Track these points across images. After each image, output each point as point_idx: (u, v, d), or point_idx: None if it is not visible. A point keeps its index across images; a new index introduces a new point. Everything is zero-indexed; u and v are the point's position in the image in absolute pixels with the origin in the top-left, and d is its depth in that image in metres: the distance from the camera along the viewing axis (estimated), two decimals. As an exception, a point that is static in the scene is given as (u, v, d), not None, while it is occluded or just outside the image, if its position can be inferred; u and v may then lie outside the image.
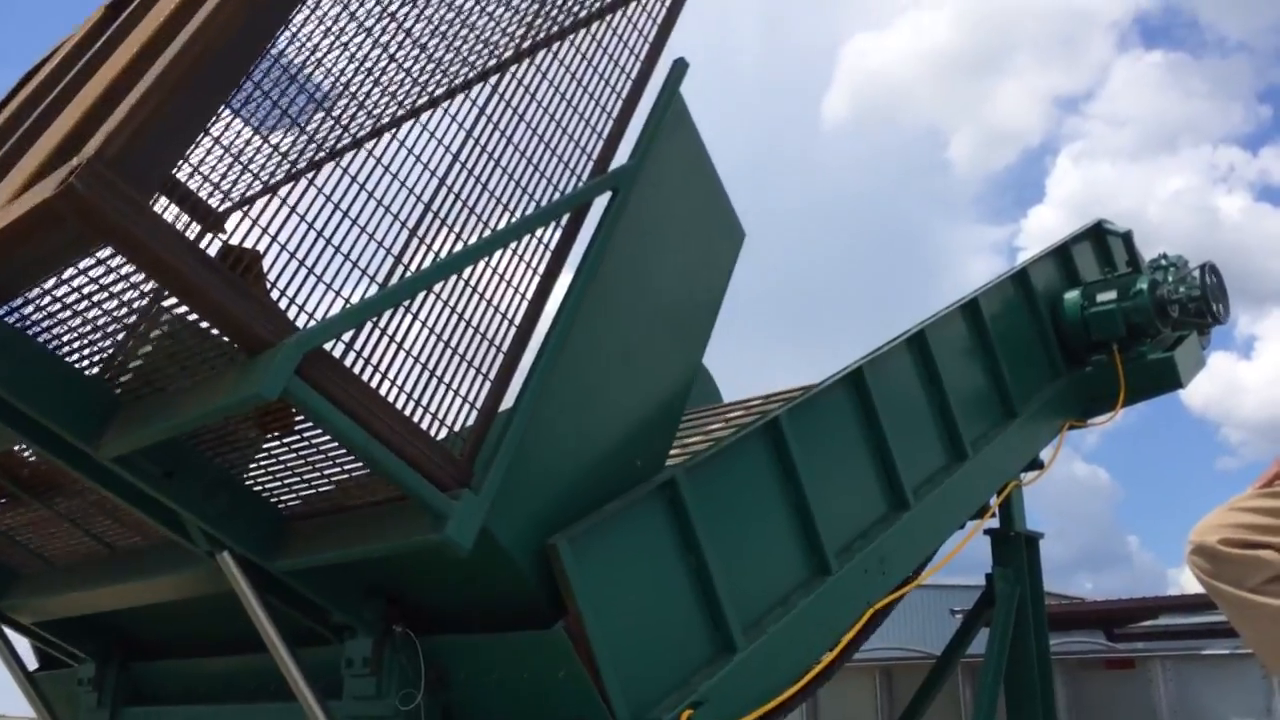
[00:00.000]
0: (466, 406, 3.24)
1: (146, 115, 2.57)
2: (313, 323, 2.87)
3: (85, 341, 3.05)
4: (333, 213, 3.04)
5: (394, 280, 3.18)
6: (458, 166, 3.43)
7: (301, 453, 3.15)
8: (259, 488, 3.42)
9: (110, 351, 3.09)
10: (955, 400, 5.47)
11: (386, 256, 3.19)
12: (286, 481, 3.35)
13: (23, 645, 5.53)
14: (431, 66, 3.80)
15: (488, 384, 3.31)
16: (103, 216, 2.47)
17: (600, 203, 3.79)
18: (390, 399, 3.04)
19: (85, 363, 3.13)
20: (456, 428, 3.20)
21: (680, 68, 4.22)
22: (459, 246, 3.35)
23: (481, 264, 3.36)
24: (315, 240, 2.95)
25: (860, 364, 4.87)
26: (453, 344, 3.25)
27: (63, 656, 5.40)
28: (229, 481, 3.36)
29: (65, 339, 3.08)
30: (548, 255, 3.59)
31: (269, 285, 2.99)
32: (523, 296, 3.49)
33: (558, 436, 3.49)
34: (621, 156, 3.96)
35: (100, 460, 3.17)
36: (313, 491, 3.36)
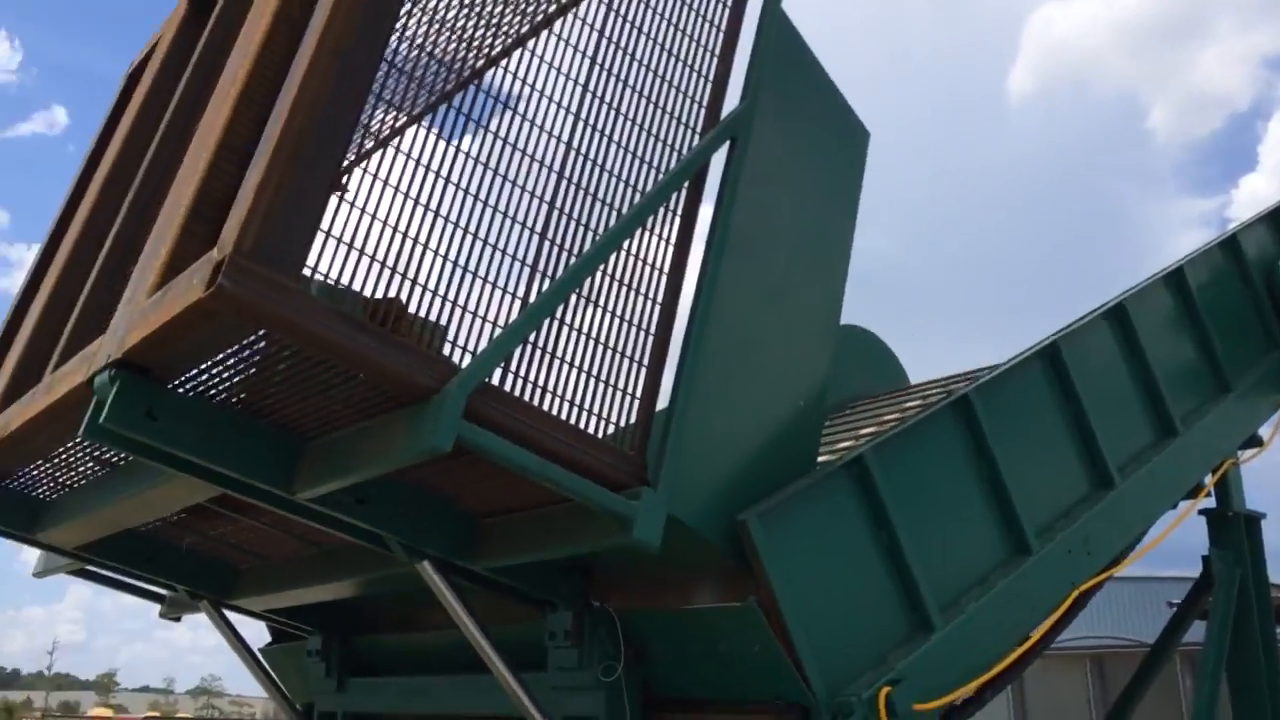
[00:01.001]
0: (626, 398, 3.25)
1: (272, 197, 2.59)
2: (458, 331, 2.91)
3: (262, 397, 3.17)
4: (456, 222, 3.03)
5: (531, 286, 3.17)
6: (569, 151, 3.35)
7: (483, 471, 3.23)
8: (448, 497, 3.54)
9: (287, 403, 3.21)
10: (1161, 374, 5.22)
11: (514, 263, 3.17)
12: (476, 490, 3.45)
13: (246, 627, 6.02)
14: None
15: (643, 370, 3.31)
16: (254, 308, 2.54)
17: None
18: (552, 410, 3.08)
19: (266, 415, 3.26)
20: (621, 421, 3.23)
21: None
22: (587, 237, 3.30)
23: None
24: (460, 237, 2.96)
25: (1055, 338, 4.69)
26: (600, 338, 3.24)
27: (292, 630, 5.86)
28: (420, 496, 3.49)
29: (242, 398, 3.21)
30: (676, 221, 3.51)
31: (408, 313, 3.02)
32: (660, 271, 3.44)
33: (723, 401, 3.48)
34: (734, 86, 3.79)
35: (298, 501, 3.35)
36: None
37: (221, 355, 3.02)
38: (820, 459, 3.79)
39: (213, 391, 3.27)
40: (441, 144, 3.07)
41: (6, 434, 4.03)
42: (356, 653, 5.47)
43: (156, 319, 2.78)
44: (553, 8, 4.02)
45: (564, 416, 3.11)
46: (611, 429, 3.20)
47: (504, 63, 3.61)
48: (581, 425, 3.12)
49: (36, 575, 5.84)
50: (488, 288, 3.06)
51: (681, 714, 3.74)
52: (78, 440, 3.79)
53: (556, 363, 3.13)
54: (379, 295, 2.86)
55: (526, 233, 3.18)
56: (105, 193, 5.12)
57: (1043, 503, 4.43)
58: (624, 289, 3.33)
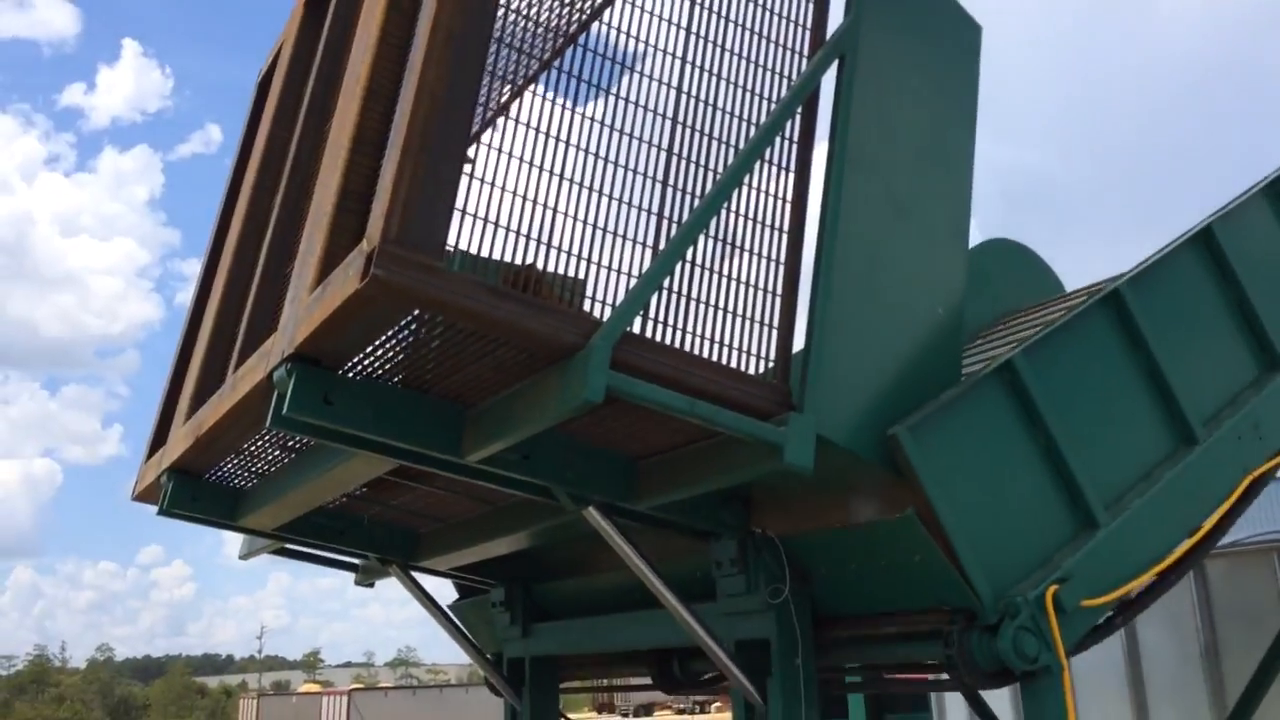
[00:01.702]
0: (765, 329, 3.32)
1: (410, 186, 2.75)
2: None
3: (424, 372, 3.38)
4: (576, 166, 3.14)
5: (659, 234, 3.27)
6: (680, 96, 3.40)
7: (636, 415, 3.36)
8: (607, 444, 3.70)
9: (447, 374, 3.41)
10: None
11: (641, 214, 3.26)
12: (631, 434, 3.60)
13: (436, 588, 6.41)
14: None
15: (778, 300, 3.37)
16: (406, 291, 2.72)
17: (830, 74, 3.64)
18: (693, 350, 3.18)
19: (429, 389, 3.47)
20: (761, 353, 3.31)
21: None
22: (708, 177, 3.36)
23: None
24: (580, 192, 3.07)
25: (1209, 221, 4.51)
26: (732, 274, 3.32)
27: (476, 584, 6.22)
28: (580, 446, 3.66)
29: (406, 375, 3.43)
30: (793, 149, 3.53)
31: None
32: (784, 200, 3.48)
33: (859, 317, 3.51)
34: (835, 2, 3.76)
35: (467, 463, 3.57)
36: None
37: (383, 338, 3.23)
38: (977, 370, 3.78)
39: (380, 372, 3.50)
40: (556, 108, 3.19)
41: (202, 433, 4.40)
42: (537, 600, 5.77)
43: (320, 313, 3.01)
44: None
45: (706, 355, 3.20)
46: (754, 362, 3.28)
47: (604, 18, 3.66)
48: (724, 361, 3.21)
49: (242, 558, 6.35)
50: (619, 241, 3.17)
51: (849, 629, 3.84)
52: (265, 431, 4.10)
53: (693, 304, 3.23)
54: (517, 261, 3.01)
55: (649, 182, 3.26)
56: (255, 198, 5.45)
57: (1208, 390, 4.31)
58: (750, 223, 3.39)
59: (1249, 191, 4.85)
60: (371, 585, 6.70)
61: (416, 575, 6.03)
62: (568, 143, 3.10)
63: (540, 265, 3.03)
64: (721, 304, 3.28)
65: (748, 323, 3.31)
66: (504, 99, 4.34)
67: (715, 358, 3.23)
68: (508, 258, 3.03)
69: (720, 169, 3.39)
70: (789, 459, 3.07)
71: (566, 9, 4.16)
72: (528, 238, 3.01)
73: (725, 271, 3.31)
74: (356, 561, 6.31)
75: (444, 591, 6.65)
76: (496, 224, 2.95)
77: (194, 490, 5.12)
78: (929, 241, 3.83)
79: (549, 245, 3.04)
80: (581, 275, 3.11)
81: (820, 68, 3.57)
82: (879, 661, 4.06)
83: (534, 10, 3.83)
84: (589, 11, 4.18)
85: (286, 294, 3.67)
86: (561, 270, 3.14)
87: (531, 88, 3.59)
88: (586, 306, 3.11)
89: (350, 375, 3.40)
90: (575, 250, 3.08)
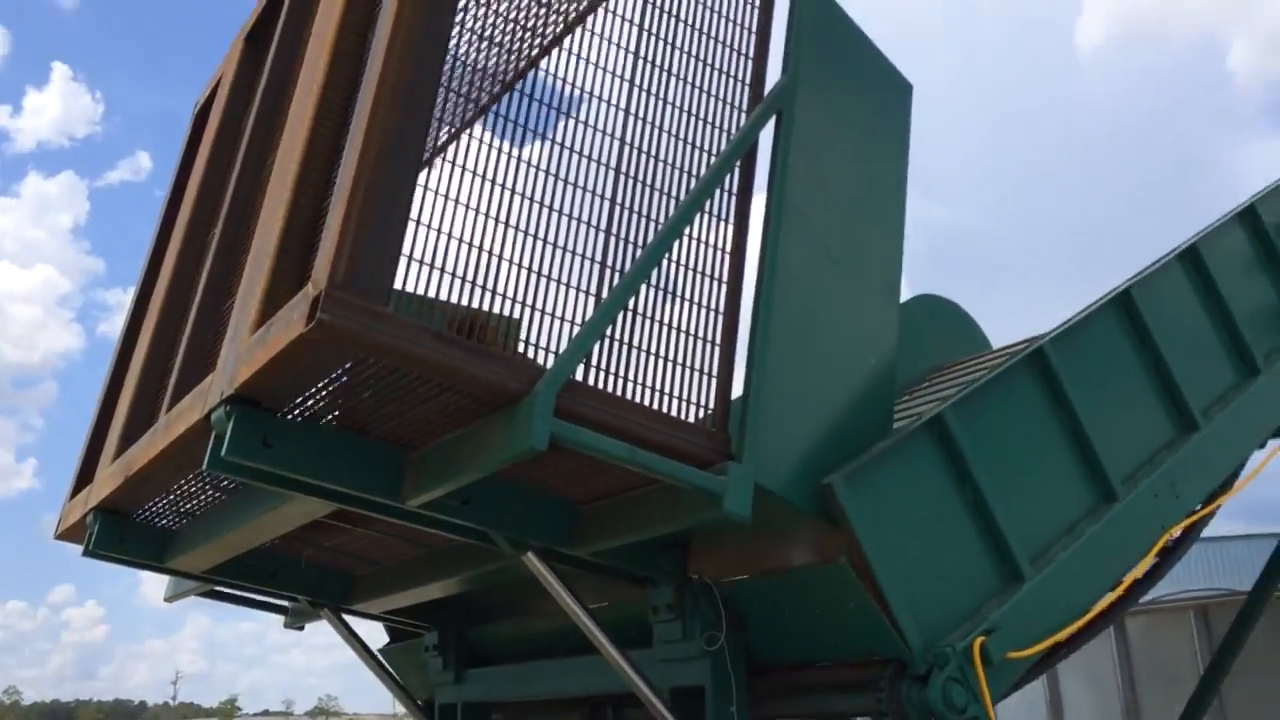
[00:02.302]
0: (704, 378, 3.39)
1: (356, 232, 2.77)
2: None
3: (366, 415, 3.38)
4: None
5: (601, 281, 3.32)
6: (623, 147, 3.48)
7: (577, 462, 3.39)
8: (547, 489, 3.72)
9: (389, 418, 3.40)
10: (1240, 315, 5.22)
11: (583, 261, 3.32)
12: (572, 480, 3.63)
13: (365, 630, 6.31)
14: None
15: (716, 349, 3.44)
16: (352, 336, 2.73)
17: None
18: (634, 398, 3.23)
19: (371, 432, 3.46)
20: (700, 400, 3.37)
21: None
22: (649, 227, 3.43)
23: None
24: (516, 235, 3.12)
25: (1128, 285, 4.70)
26: (673, 323, 3.38)
27: (409, 628, 6.14)
28: (520, 491, 3.68)
29: (347, 418, 3.42)
30: (732, 201, 3.62)
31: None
32: (722, 251, 3.56)
33: (796, 368, 3.59)
34: (774, 59, 3.88)
35: (406, 508, 3.56)
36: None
37: (326, 380, 3.23)
38: (908, 423, 3.88)
39: (320, 415, 3.49)
40: (497, 152, 3.23)
41: (132, 473, 4.32)
42: (471, 644, 5.72)
43: (263, 354, 3.00)
44: (584, 4, 4.14)
45: (646, 403, 3.25)
46: (693, 410, 3.34)
47: (545, 64, 3.73)
48: (664, 409, 3.27)
49: (168, 600, 6.20)
50: (560, 288, 3.21)
51: (784, 677, 3.87)
52: (200, 472, 4.04)
53: (633, 352, 3.28)
54: (459, 303, 3.04)
55: (591, 230, 3.32)
56: (190, 233, 5.40)
57: (1127, 449, 4.47)
58: (690, 273, 3.47)
59: (1165, 257, 5.08)
60: (301, 628, 6.58)
61: (348, 618, 5.95)
62: (508, 188, 3.15)
63: (483, 308, 3.06)
64: (662, 352, 3.33)
65: (687, 371, 3.37)
66: (441, 141, 4.39)
67: (655, 405, 3.28)
68: (450, 298, 3.06)
69: (661, 219, 3.46)
70: (728, 508, 3.12)
71: (509, 55, 4.22)
72: (469, 282, 3.04)
73: (665, 320, 3.37)
74: (286, 604, 6.20)
75: (374, 635, 6.55)
76: (436, 268, 2.97)
77: (121, 531, 5.00)
78: (862, 293, 3.94)
79: (490, 290, 3.07)
80: (524, 320, 3.14)
81: (759, 123, 3.68)
82: (812, 712, 4.10)
83: (478, 57, 3.89)
84: (530, 58, 4.25)
85: (225, 334, 3.64)
86: (502, 312, 3.17)
87: (470, 131, 3.64)
88: (529, 351, 3.14)
89: (291, 417, 3.39)
90: (517, 296, 3.11)
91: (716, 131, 3.67)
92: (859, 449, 3.55)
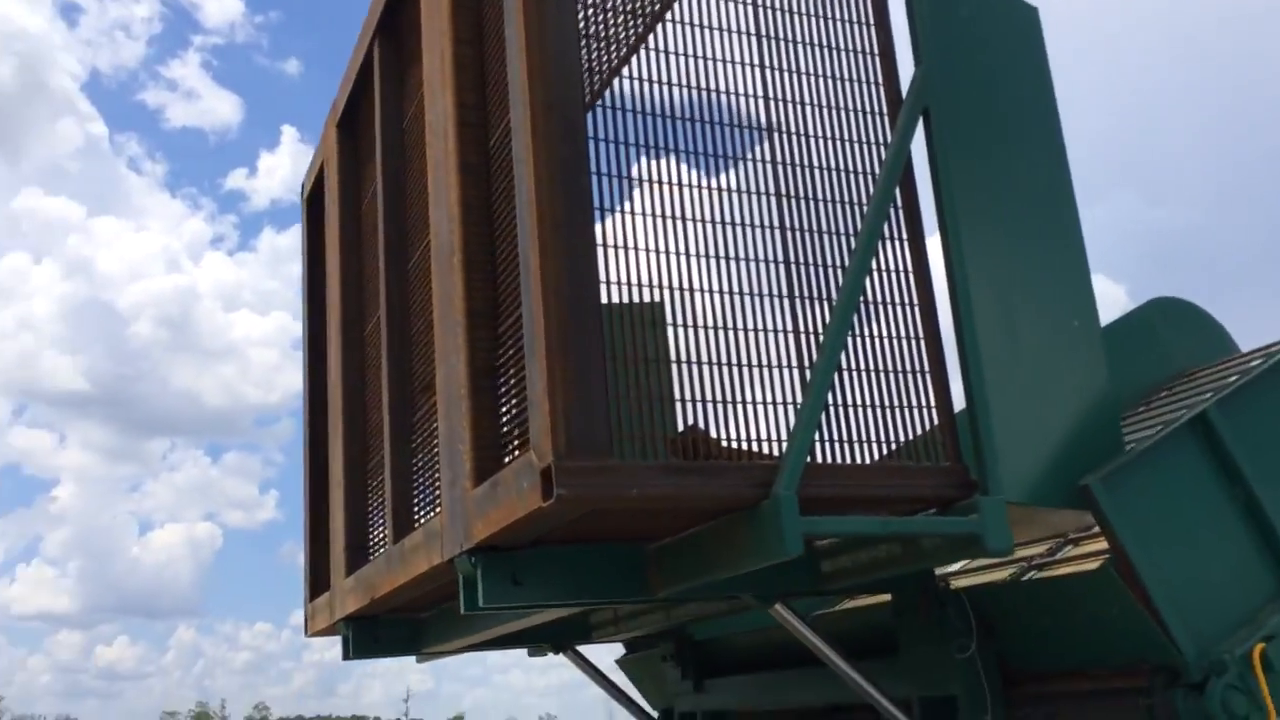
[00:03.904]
0: (919, 411, 3.29)
1: (564, 394, 2.75)
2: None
3: (605, 531, 3.39)
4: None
5: (798, 349, 3.23)
6: (781, 199, 3.35)
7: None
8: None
9: (628, 529, 3.42)
10: None
11: (775, 335, 3.23)
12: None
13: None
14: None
15: (927, 378, 3.33)
16: (590, 499, 2.74)
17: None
18: (858, 456, 3.16)
19: (611, 539, 3.49)
20: (920, 432, 3.27)
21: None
22: (827, 275, 3.31)
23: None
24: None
25: None
26: (875, 365, 3.27)
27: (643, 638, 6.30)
28: None
29: (586, 536, 3.45)
30: (900, 216, 3.46)
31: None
32: (905, 272, 3.42)
33: (1013, 372, 3.42)
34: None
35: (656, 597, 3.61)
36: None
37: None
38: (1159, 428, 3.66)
39: (562, 540, 3.52)
40: (664, 253, 3.15)
41: (376, 596, 4.51)
42: (709, 653, 5.81)
43: (499, 517, 3.04)
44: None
45: (872, 456, 3.18)
46: (921, 449, 3.25)
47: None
48: (897, 460, 3.19)
49: (419, 661, 6.52)
50: (760, 370, 3.15)
51: (1040, 685, 3.78)
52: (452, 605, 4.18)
53: (847, 410, 3.20)
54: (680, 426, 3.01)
55: (770, 300, 3.23)
56: (346, 319, 5.50)
57: None
58: (880, 307, 3.34)
59: None
60: (544, 655, 6.84)
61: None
62: (683, 288, 3.08)
63: (704, 427, 3.02)
64: (875, 400, 3.24)
65: (907, 410, 3.28)
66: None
67: (883, 454, 3.20)
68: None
69: (832, 262, 3.33)
70: (991, 546, 3.04)
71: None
72: (682, 399, 3.00)
73: (871, 365, 3.26)
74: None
75: (602, 652, 6.72)
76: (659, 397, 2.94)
77: (375, 632, 5.28)
78: (1052, 275, 3.69)
79: (700, 400, 3.02)
80: (728, 413, 3.09)
81: (911, 127, 3.46)
82: None
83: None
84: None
85: (422, 448, 3.66)
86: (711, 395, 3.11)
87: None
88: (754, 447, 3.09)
89: (533, 548, 3.45)
90: (723, 395, 3.06)
91: (869, 148, 3.48)
92: (1095, 446, 3.40)
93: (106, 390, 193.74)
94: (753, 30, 3.49)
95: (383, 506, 4.82)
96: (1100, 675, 3.53)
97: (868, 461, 3.15)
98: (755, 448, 3.11)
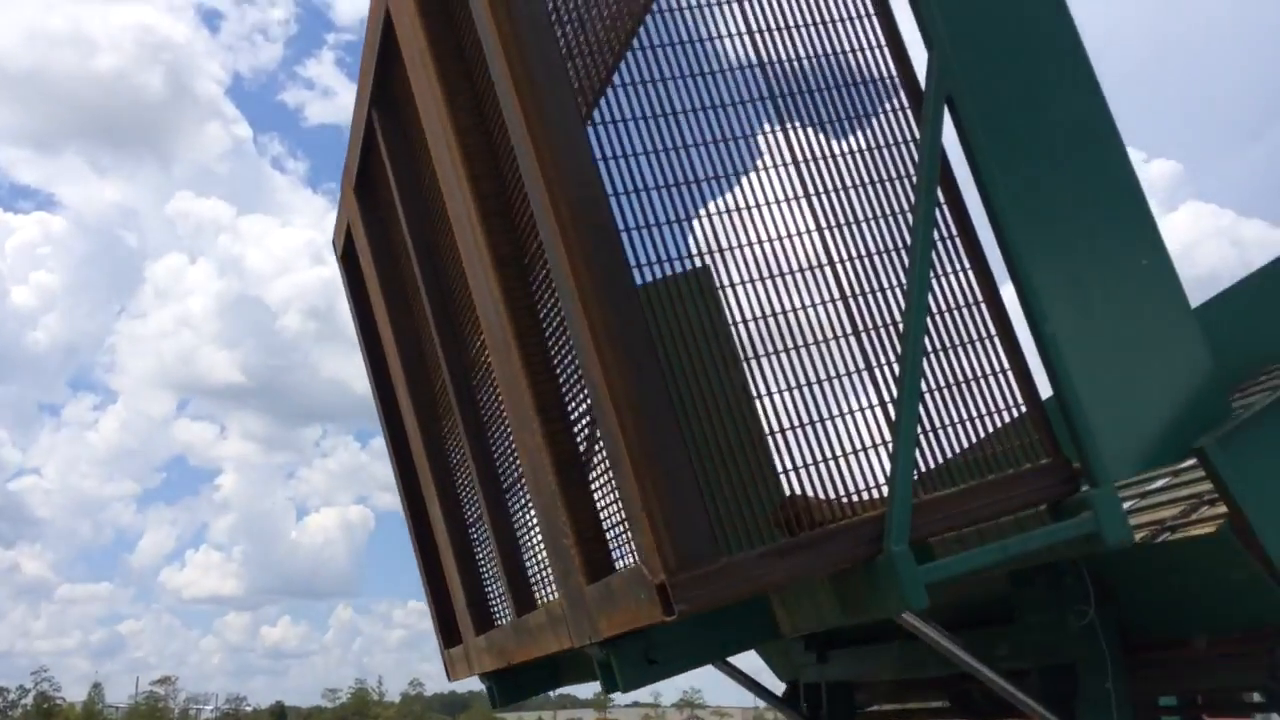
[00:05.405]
0: (1016, 409, 3.23)
1: (661, 509, 2.75)
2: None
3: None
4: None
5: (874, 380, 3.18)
6: (822, 233, 3.26)
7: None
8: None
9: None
10: None
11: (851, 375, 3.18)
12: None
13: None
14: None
15: (1010, 376, 3.26)
16: (708, 604, 2.76)
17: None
18: (958, 479, 3.13)
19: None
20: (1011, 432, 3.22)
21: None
22: (889, 296, 3.24)
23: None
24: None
25: None
26: (954, 379, 3.21)
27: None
28: None
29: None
30: (947, 213, 3.35)
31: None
32: (965, 270, 3.32)
33: (1095, 345, 3.33)
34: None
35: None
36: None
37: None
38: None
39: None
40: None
41: (510, 662, 4.66)
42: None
43: (621, 621, 3.09)
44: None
45: (970, 474, 3.14)
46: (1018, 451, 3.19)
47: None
48: (1001, 468, 3.14)
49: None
50: (845, 418, 3.11)
51: (1163, 652, 3.74)
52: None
53: (937, 433, 3.15)
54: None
55: (845, 340, 3.17)
56: (411, 378, 5.56)
57: None
58: (946, 315, 3.26)
59: None
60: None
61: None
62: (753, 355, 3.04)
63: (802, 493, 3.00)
64: (964, 414, 3.19)
65: (993, 414, 3.22)
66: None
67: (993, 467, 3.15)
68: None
69: (897, 280, 3.24)
70: (1111, 540, 3.00)
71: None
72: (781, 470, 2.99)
73: (947, 381, 3.20)
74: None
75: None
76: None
77: (516, 680, 5.43)
78: (1115, 238, 3.53)
79: (792, 469, 3.00)
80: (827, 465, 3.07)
81: (939, 116, 3.30)
82: (1195, 687, 3.97)
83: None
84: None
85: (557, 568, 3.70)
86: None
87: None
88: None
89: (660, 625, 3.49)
90: (817, 457, 3.04)
91: (898, 148, 3.36)
92: (1198, 408, 3.30)
93: (261, 382, 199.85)
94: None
95: (493, 566, 4.93)
96: (1224, 642, 3.49)
97: (970, 483, 3.11)
98: (855, 494, 3.09)
